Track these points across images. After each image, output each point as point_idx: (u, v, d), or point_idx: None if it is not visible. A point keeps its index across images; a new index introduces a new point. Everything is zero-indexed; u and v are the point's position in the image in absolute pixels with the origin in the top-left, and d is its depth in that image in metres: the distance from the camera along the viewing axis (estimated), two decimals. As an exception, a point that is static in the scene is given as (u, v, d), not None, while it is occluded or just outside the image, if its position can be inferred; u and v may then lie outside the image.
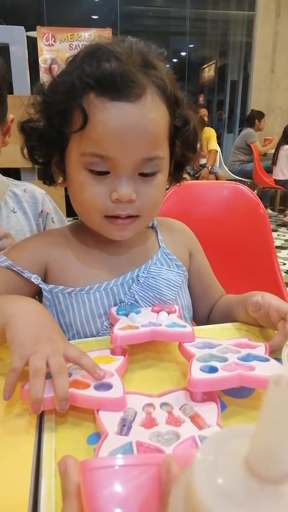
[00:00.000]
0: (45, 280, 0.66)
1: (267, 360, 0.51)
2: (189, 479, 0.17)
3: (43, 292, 0.64)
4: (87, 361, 0.47)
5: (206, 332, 0.65)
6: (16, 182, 1.01)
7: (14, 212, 0.95)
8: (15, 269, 0.62)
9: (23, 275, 0.62)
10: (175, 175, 0.70)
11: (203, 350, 0.53)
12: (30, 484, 0.36)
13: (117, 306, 0.64)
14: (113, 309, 0.63)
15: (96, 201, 0.58)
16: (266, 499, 0.15)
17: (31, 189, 1.00)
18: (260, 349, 0.54)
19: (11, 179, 1.01)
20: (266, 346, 0.55)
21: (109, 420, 0.41)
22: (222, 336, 0.61)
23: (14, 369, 0.44)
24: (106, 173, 0.57)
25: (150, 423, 0.41)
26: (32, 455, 0.39)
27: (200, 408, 0.43)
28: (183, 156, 0.67)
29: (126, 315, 0.60)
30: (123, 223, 0.60)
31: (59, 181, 0.66)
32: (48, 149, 0.62)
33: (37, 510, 0.33)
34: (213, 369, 0.47)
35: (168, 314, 0.61)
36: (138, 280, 0.67)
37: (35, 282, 0.62)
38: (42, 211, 0.99)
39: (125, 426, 0.40)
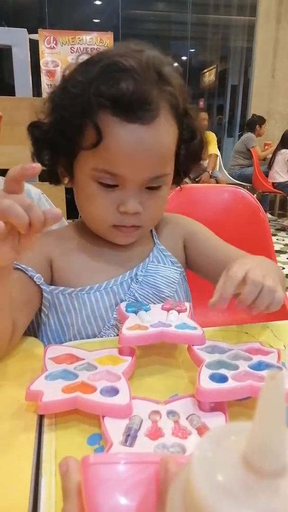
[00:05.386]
0: (52, 277, 0.67)
1: (279, 369, 0.50)
2: (188, 475, 0.17)
3: (43, 293, 0.64)
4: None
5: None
6: None
7: None
8: (19, 267, 0.62)
9: (27, 273, 0.62)
10: (177, 180, 0.71)
11: (213, 355, 0.52)
12: (31, 484, 0.36)
13: (126, 303, 0.64)
14: (122, 306, 0.62)
15: (104, 212, 0.61)
16: (264, 493, 0.16)
17: (26, 189, 0.97)
18: (273, 356, 0.53)
19: None
20: (279, 353, 0.54)
21: (114, 428, 0.40)
22: (221, 337, 0.61)
23: None
24: (114, 186, 0.59)
25: (156, 433, 0.40)
26: (32, 455, 0.39)
27: (207, 419, 0.42)
28: (186, 163, 0.68)
29: (135, 312, 0.60)
30: (128, 231, 0.64)
31: (65, 182, 0.67)
32: (56, 154, 0.63)
33: (37, 509, 0.34)
34: (222, 378, 0.47)
35: (179, 313, 0.61)
36: (137, 279, 0.68)
37: (37, 282, 0.62)
38: None
39: (129, 436, 0.39)
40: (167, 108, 0.58)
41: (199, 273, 0.76)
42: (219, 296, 0.51)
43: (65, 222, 1.04)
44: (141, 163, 0.57)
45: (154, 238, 0.74)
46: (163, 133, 0.58)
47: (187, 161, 0.68)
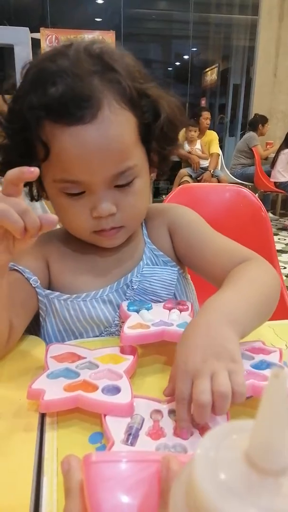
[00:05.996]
0: (49, 279, 0.66)
1: (281, 368, 0.50)
2: (190, 474, 0.17)
3: (39, 297, 0.62)
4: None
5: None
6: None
7: None
8: (17, 268, 0.61)
9: (24, 274, 0.61)
10: (161, 167, 0.67)
11: None
12: (32, 482, 0.36)
13: (128, 301, 0.63)
14: (124, 304, 0.62)
15: (79, 220, 0.59)
16: (266, 491, 0.16)
17: None
18: (275, 355, 0.52)
19: None
20: (281, 352, 0.53)
21: (116, 427, 0.40)
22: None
23: None
24: (81, 193, 0.57)
25: (157, 433, 0.40)
26: (34, 453, 0.39)
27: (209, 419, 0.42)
28: (161, 147, 0.63)
29: (137, 311, 0.60)
30: (110, 234, 0.61)
31: (44, 196, 0.64)
32: None
33: (39, 508, 0.34)
34: None
35: (180, 312, 0.60)
36: (132, 286, 0.66)
37: (33, 285, 0.61)
38: None
39: (131, 435, 0.39)
40: (111, 96, 0.53)
41: (190, 267, 0.71)
42: (178, 425, 0.41)
43: (57, 225, 1.02)
44: (96, 164, 0.54)
45: (145, 236, 0.70)
46: (110, 126, 0.53)
47: (161, 144, 0.61)
